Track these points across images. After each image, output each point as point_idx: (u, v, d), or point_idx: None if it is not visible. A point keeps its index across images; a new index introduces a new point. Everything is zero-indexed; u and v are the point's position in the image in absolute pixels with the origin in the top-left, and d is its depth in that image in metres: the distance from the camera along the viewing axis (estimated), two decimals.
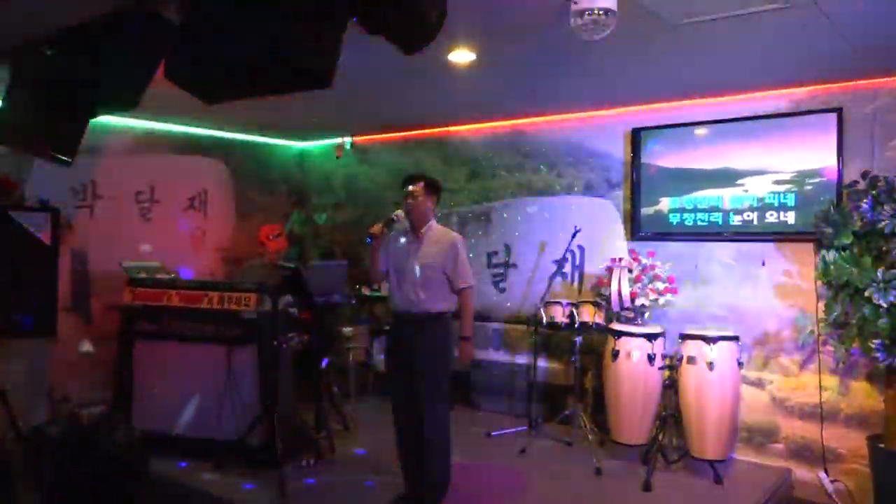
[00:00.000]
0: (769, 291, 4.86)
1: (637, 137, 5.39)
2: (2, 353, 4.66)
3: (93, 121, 3.39)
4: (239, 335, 4.73)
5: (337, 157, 7.30)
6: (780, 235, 4.80)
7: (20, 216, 4.74)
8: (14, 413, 4.42)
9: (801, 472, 4.65)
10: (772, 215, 4.83)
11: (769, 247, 4.86)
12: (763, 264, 4.87)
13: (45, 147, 3.42)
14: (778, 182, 4.80)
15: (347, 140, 7.23)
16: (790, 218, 4.75)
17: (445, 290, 3.85)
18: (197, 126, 6.61)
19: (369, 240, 3.84)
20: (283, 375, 4.71)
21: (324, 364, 5.30)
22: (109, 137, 5.94)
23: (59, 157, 3.44)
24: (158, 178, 6.39)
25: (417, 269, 3.82)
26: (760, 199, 4.87)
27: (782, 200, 4.79)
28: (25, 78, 3.32)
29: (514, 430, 5.39)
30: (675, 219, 5.24)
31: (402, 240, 3.96)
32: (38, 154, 3.57)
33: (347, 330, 6.12)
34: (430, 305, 3.80)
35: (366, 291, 6.67)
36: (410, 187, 3.89)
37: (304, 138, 7.55)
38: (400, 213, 3.87)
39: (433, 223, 3.96)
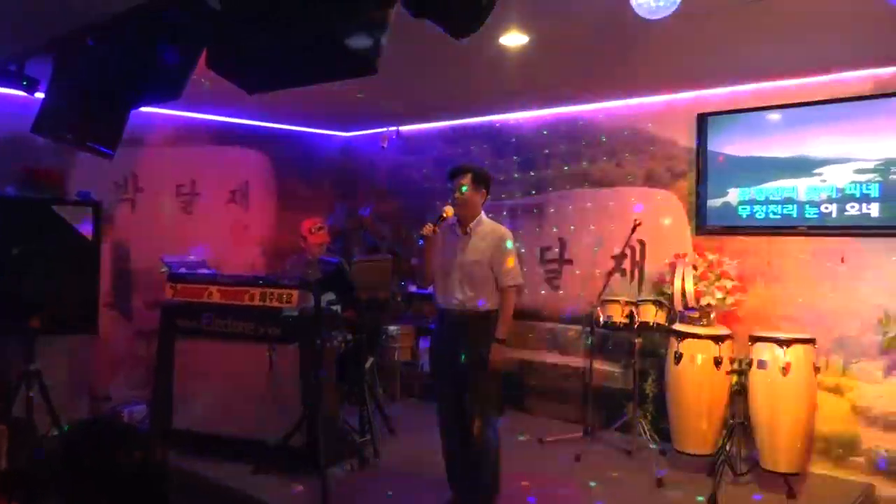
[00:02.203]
0: (850, 290, 4.71)
1: (703, 123, 5.29)
2: (44, 349, 4.86)
3: (134, 112, 3.51)
4: (280, 333, 4.82)
5: (382, 148, 7.36)
6: (862, 229, 4.65)
7: (62, 210, 4.94)
8: (56, 410, 4.61)
9: (886, 489, 4.49)
10: (853, 207, 4.68)
11: (850, 242, 4.71)
12: (842, 261, 4.73)
13: (86, 139, 3.55)
14: (860, 171, 4.65)
15: (393, 129, 7.29)
16: (874, 210, 4.59)
17: (493, 288, 3.86)
18: (239, 117, 6.76)
19: (421, 241, 3.87)
20: (325, 376, 4.78)
21: (368, 364, 5.36)
22: (151, 129, 6.13)
23: (101, 149, 3.56)
24: (200, 171, 6.56)
25: (464, 265, 3.84)
26: (840, 190, 4.72)
27: (865, 191, 4.63)
28: (67, 69, 3.45)
29: (568, 436, 5.37)
30: (744, 211, 5.12)
31: (450, 235, 3.98)
32: (80, 146, 3.71)
33: (393, 328, 6.17)
34: (477, 303, 3.81)
35: (412, 288, 6.72)
36: (457, 180, 3.90)
37: (349, 128, 7.64)
38: (448, 208, 3.89)
39: (482, 217, 3.96)
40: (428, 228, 3.84)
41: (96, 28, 3.06)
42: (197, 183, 6.56)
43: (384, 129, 7.34)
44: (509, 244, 3.88)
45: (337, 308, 4.98)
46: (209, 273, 5.36)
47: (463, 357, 3.79)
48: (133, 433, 1.56)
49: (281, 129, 7.19)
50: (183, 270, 5.29)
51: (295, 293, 4.82)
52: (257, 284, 5.01)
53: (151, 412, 5.34)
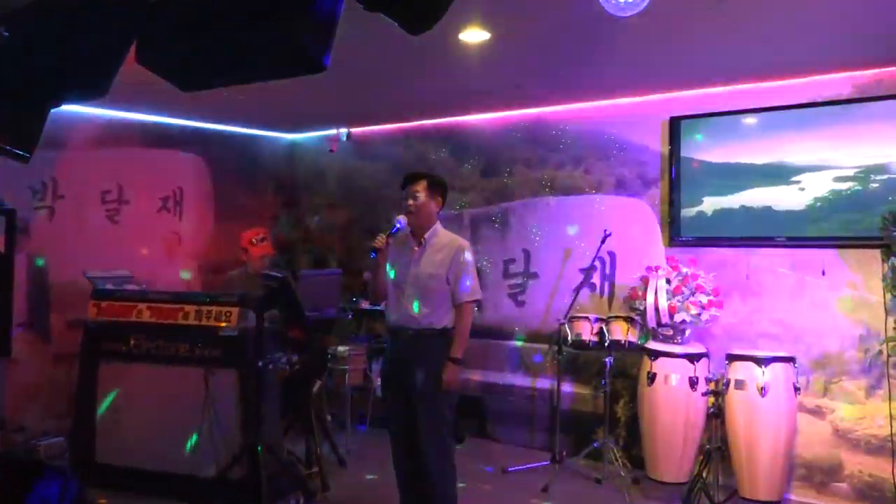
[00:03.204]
0: (830, 305, 4.84)
1: (676, 127, 5.40)
2: None
3: (54, 110, 3.43)
4: (218, 355, 4.75)
5: (331, 151, 7.34)
6: (842, 240, 4.79)
7: None
8: None
9: None
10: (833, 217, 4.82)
11: (829, 253, 4.84)
12: (823, 274, 4.86)
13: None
14: (839, 179, 4.79)
15: (343, 131, 7.27)
16: (854, 220, 4.74)
17: (450, 304, 3.87)
18: (172, 116, 6.67)
19: (373, 254, 3.87)
20: (268, 402, 4.72)
21: (315, 388, 5.32)
22: (73, 129, 6.00)
23: (16, 151, 3.48)
24: (128, 176, 6.44)
25: (419, 279, 3.85)
26: (819, 199, 4.86)
27: (845, 200, 4.77)
28: None
29: (534, 465, 5.38)
30: (720, 221, 5.23)
31: (403, 246, 3.99)
32: None
33: (343, 349, 6.13)
34: (434, 320, 3.82)
35: (364, 305, 6.69)
36: (411, 187, 3.92)
37: (295, 129, 7.59)
38: (402, 217, 3.90)
39: (438, 227, 3.98)
40: (380, 240, 3.84)
41: (10, 17, 3.00)
42: (125, 189, 6.44)
43: (333, 131, 7.32)
44: (467, 256, 3.90)
45: (281, 327, 4.93)
46: (138, 289, 5.26)
47: (417, 378, 3.78)
48: (49, 470, 1.51)
49: (219, 129, 7.11)
50: (109, 286, 5.18)
51: (234, 311, 4.76)
52: (192, 301, 4.93)
53: (71, 445, 5.20)
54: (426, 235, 3.92)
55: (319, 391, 5.50)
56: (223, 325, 4.76)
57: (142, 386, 4.90)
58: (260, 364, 4.56)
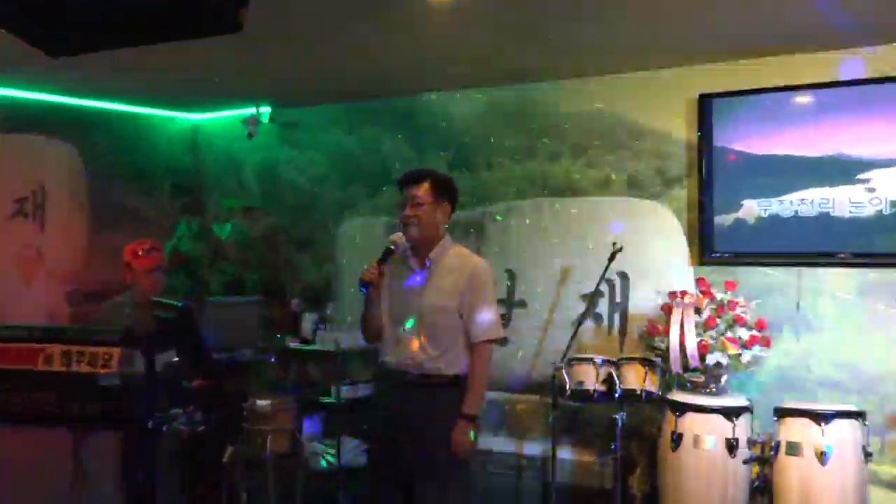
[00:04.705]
0: None
1: (707, 109, 5.45)
2: None
3: None
4: (94, 412, 4.68)
5: (249, 137, 7.30)
6: None
7: None
8: None
9: None
10: None
11: None
12: None
13: None
14: None
15: (265, 111, 7.24)
16: None
17: (465, 343, 3.91)
18: (34, 91, 6.60)
19: (364, 289, 3.88)
20: (162, 474, 4.67)
21: (226, 456, 5.28)
22: None
23: None
24: None
25: (424, 311, 3.87)
26: (894, 203, 4.94)
27: None
28: None
29: None
30: (764, 232, 5.29)
31: (402, 269, 3.99)
32: None
33: (263, 403, 6.09)
34: (444, 364, 3.84)
35: (292, 343, 6.64)
36: (410, 191, 3.92)
37: (199, 108, 7.55)
38: (398, 235, 3.91)
39: (447, 243, 4.01)
40: (371, 271, 3.85)
41: None
42: None
43: (252, 111, 7.28)
44: (486, 280, 3.95)
45: (180, 373, 4.89)
46: None
47: (425, 445, 3.77)
48: None
49: (97, 108, 7.05)
50: None
51: (116, 352, 4.68)
52: (58, 339, 4.86)
53: None
54: (432, 254, 3.94)
55: (232, 459, 5.45)
56: (101, 371, 4.70)
57: None
58: (150, 424, 4.52)
